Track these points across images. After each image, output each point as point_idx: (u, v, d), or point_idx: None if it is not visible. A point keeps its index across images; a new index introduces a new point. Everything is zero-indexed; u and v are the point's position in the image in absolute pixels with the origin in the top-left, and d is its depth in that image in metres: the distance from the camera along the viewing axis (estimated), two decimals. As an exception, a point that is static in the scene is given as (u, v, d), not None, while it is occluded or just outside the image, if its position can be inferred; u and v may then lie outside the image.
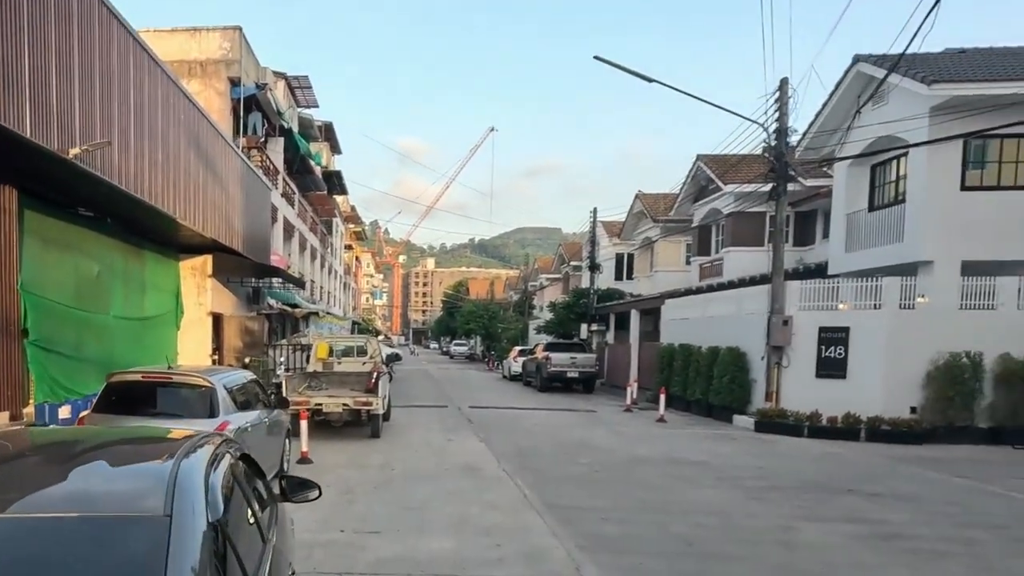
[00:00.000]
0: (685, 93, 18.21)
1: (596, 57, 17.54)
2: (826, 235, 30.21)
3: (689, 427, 20.78)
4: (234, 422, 9.41)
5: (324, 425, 17.54)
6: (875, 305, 18.64)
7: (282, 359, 24.63)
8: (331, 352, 21.30)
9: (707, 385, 22.94)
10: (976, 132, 18.13)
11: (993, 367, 17.88)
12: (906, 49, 14.06)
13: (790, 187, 29.49)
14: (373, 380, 17.23)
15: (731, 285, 27.65)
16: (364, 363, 20.61)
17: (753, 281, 26.36)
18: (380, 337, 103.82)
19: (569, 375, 33.34)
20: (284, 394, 16.53)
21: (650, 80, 17.75)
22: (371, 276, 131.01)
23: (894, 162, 21.88)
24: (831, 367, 18.95)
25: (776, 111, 18.16)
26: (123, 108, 12.33)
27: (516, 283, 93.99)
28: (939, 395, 17.91)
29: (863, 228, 22.64)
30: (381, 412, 17.31)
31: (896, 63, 17.59)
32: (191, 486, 2.84)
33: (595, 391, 33.80)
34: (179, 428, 4.63)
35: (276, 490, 4.69)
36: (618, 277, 45.58)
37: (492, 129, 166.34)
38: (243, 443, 9.13)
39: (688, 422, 22.03)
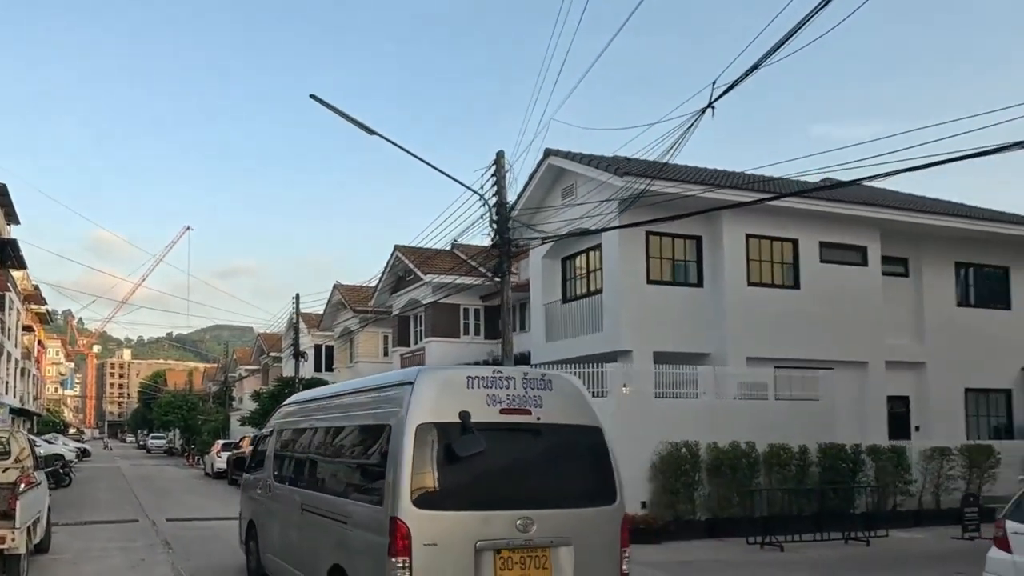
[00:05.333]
0: (406, 151, 14.69)
1: (312, 96, 13.54)
2: (513, 328, 27.83)
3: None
4: None
5: (-68, 575, 10.70)
6: (600, 393, 15.70)
7: None
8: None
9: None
10: (647, 221, 16.20)
11: (705, 456, 15.41)
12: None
13: (477, 281, 27.11)
14: (14, 498, 10.51)
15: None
16: (5, 470, 12.57)
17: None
18: (71, 431, 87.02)
19: (279, 471, 26.89)
20: None
21: (371, 132, 13.98)
22: (59, 364, 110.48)
23: (583, 255, 19.86)
24: (567, 459, 15.33)
25: (494, 184, 15.00)
26: None
27: (215, 374, 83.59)
28: (666, 488, 15.05)
29: (562, 318, 20.17)
30: (24, 550, 10.73)
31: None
32: None
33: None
34: None
35: None
36: (317, 368, 40.22)
37: (188, 228, 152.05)
38: None
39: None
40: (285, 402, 10.97)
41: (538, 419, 6.54)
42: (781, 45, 7.64)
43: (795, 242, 19.80)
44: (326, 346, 40.67)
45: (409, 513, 5.90)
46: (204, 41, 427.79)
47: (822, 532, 14.42)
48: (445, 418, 6.17)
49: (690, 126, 9.68)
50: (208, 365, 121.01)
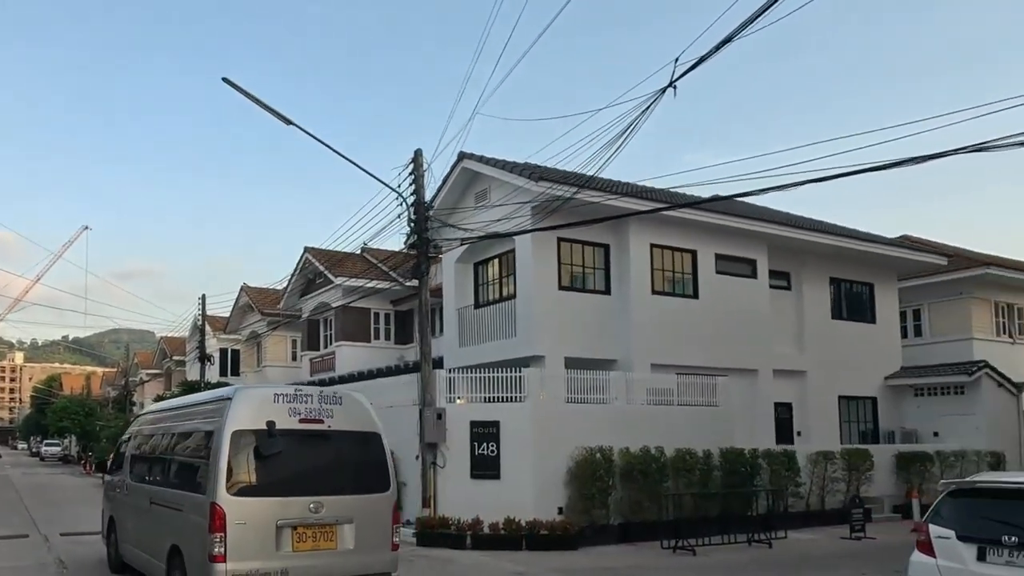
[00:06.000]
0: (322, 143, 13.15)
1: (225, 80, 11.88)
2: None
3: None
4: None
5: None
6: (518, 397, 14.54)
7: None
8: None
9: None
10: (560, 225, 15.55)
11: (618, 461, 14.47)
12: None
13: (389, 285, 25.60)
14: None
15: (343, 380, 22.19)
16: None
17: (363, 376, 21.29)
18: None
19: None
20: None
21: (288, 121, 12.41)
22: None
23: (496, 260, 18.80)
24: (485, 466, 13.82)
25: (412, 183, 13.70)
26: None
27: (115, 379, 77.17)
28: (581, 493, 14.01)
29: (475, 323, 18.96)
30: None
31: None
32: None
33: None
34: None
35: None
36: (223, 372, 36.92)
37: (86, 227, 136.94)
38: None
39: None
40: (141, 412, 11.99)
41: (329, 427, 7.85)
42: (755, 19, 6.80)
43: (694, 253, 19.37)
44: (232, 350, 37.75)
45: (224, 499, 7.14)
46: (104, 35, 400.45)
47: (726, 535, 13.77)
48: (255, 426, 7.43)
49: (649, 106, 8.78)
50: (107, 369, 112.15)
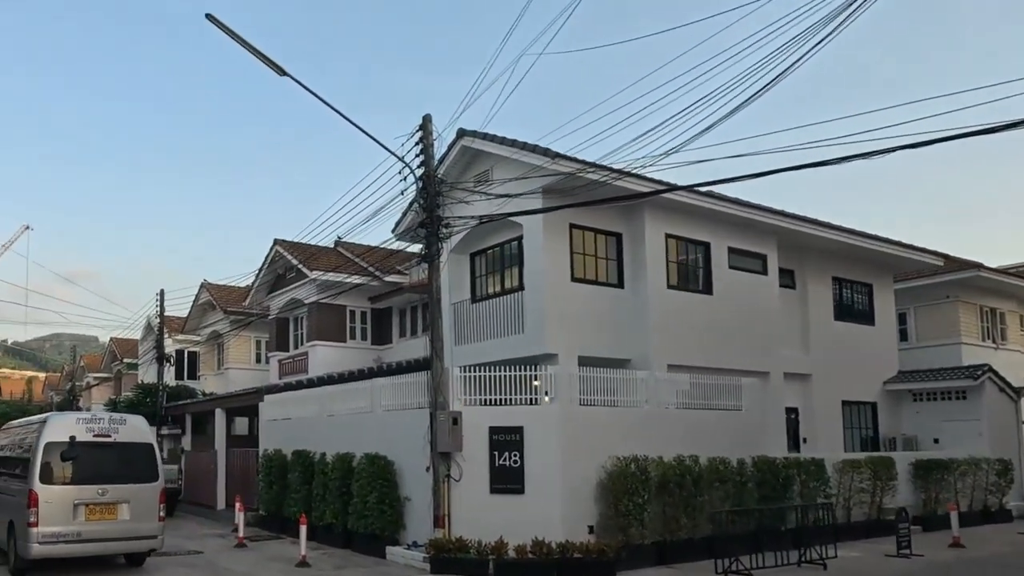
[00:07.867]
0: (321, 100, 10.71)
1: (208, 16, 9.73)
2: (403, 334, 23.91)
3: (341, 572, 11.67)
4: None
5: None
6: (537, 400, 12.13)
7: None
8: None
9: (343, 506, 13.89)
10: (574, 204, 13.48)
11: (653, 473, 12.27)
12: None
13: (362, 280, 23.10)
14: None
15: (320, 382, 19.51)
16: None
17: (345, 378, 18.73)
18: None
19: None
20: None
21: (283, 72, 10.10)
22: None
23: (496, 250, 16.62)
24: (508, 479, 11.49)
25: (421, 153, 11.37)
26: None
27: (59, 384, 71.84)
28: (616, 510, 11.75)
29: (473, 319, 16.62)
30: None
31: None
32: None
33: (177, 511, 20.58)
34: None
35: None
36: (179, 376, 33.08)
37: (27, 227, 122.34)
38: None
39: (336, 562, 12.45)
40: (2, 428, 15.28)
41: (114, 439, 11.45)
42: None
43: (707, 245, 17.38)
44: (189, 351, 34.26)
45: (38, 487, 10.74)
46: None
47: (777, 553, 11.70)
48: (62, 438, 11.13)
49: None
50: (50, 374, 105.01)
